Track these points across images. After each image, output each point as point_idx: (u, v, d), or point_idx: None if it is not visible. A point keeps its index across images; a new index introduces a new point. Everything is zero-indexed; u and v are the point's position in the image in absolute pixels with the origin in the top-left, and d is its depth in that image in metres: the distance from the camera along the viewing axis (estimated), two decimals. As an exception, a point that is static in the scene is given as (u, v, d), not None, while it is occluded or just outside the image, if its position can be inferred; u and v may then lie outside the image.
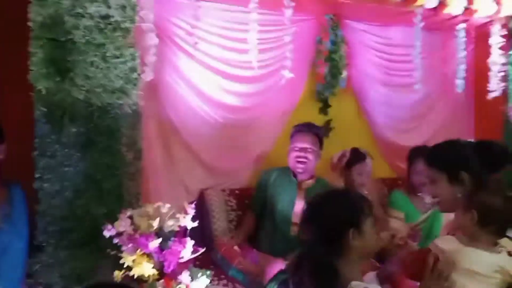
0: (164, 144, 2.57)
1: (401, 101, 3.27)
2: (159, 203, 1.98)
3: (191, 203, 2.60)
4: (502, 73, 3.14)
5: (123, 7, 2.11)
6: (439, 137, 3.40)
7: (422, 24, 2.85)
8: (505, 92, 3.18)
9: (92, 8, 2.05)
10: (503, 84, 3.14)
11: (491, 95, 3.14)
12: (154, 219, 1.93)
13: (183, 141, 2.62)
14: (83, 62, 2.05)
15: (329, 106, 3.01)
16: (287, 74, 2.53)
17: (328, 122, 3.02)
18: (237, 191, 2.71)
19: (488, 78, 3.15)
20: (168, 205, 1.97)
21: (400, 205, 2.65)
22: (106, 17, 2.08)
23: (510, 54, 3.16)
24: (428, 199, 2.62)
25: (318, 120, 3.03)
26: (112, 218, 2.08)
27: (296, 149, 2.42)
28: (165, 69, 2.51)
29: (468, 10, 2.94)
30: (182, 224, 1.96)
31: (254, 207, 2.56)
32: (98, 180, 2.11)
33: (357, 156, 2.62)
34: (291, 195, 2.44)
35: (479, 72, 3.17)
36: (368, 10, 2.84)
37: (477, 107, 3.39)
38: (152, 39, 2.23)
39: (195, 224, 1.96)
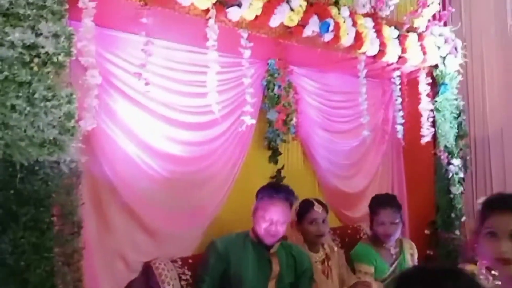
0: (98, 208, 2.03)
1: (341, 147, 3.18)
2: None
3: (133, 281, 2.13)
4: (431, 119, 3.27)
5: (56, 36, 1.63)
6: (375, 183, 3.49)
7: (365, 70, 2.82)
8: (434, 137, 3.30)
9: (14, 35, 1.54)
10: (432, 129, 3.26)
11: (423, 140, 3.23)
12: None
13: (122, 202, 2.11)
14: (1, 106, 1.50)
15: (280, 154, 2.76)
16: (249, 120, 2.22)
17: (279, 171, 2.76)
18: (190, 260, 2.24)
19: (420, 123, 3.24)
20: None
21: (368, 259, 2.47)
22: (33, 47, 1.58)
23: (436, 101, 3.32)
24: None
25: (269, 169, 2.76)
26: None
27: (267, 220, 2.05)
28: (100, 116, 2.01)
29: (401, 59, 3.03)
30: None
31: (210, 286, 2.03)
32: (22, 269, 1.51)
33: (303, 206, 2.42)
34: (261, 266, 2.07)
35: (411, 118, 3.26)
36: (313, 56, 2.72)
37: (409, 152, 3.46)
38: (94, 78, 1.75)
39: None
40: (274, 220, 2.05)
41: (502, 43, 3.85)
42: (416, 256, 2.62)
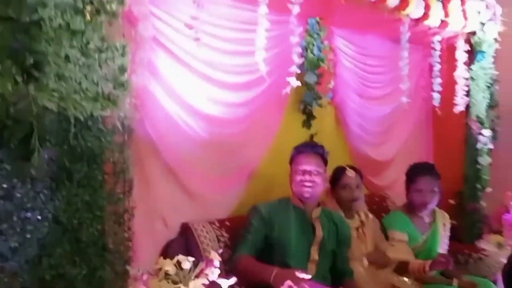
0: (139, 168, 1.96)
1: (374, 114, 3.11)
2: (179, 257, 1.44)
3: (172, 241, 2.11)
4: (466, 88, 3.18)
5: (109, -18, 1.51)
6: (403, 151, 3.44)
7: (408, 34, 2.70)
8: (468, 106, 3.23)
9: (67, -21, 1.42)
10: (466, 98, 3.18)
11: (457, 109, 3.16)
12: (178, 281, 1.39)
13: (163, 163, 2.05)
14: (54, 56, 1.40)
15: (314, 118, 2.68)
16: (294, 82, 2.13)
17: (311, 137, 2.70)
18: (227, 222, 2.21)
19: (454, 92, 3.15)
20: (191, 258, 1.44)
21: (402, 227, 2.46)
22: (86, -7, 1.46)
23: (472, 69, 3.22)
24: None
25: (301, 134, 2.69)
26: (94, 283, 1.49)
27: (300, 172, 2.03)
28: (141, 72, 1.90)
29: (443, 23, 2.90)
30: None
31: (250, 249, 1.97)
32: (74, 228, 1.46)
33: (336, 172, 2.42)
34: (305, 232, 2.04)
35: (446, 86, 3.16)
36: (356, 16, 2.59)
37: (441, 120, 3.39)
38: (146, 30, 1.65)
39: (232, 281, 1.46)
40: (308, 170, 2.03)
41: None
42: (448, 226, 2.62)
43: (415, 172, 2.50)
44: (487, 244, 2.83)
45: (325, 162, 2.13)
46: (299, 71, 2.19)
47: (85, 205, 1.49)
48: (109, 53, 1.50)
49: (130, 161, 1.61)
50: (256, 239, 1.99)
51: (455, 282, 2.35)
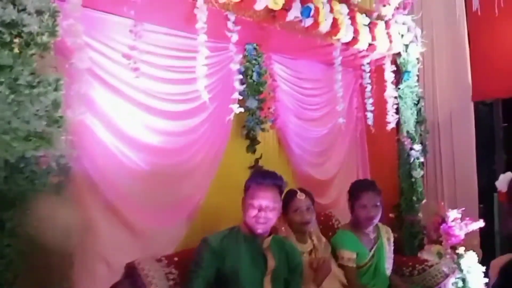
0: (78, 206, 1.83)
1: (312, 135, 3.18)
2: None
3: (117, 285, 1.98)
4: (395, 106, 3.36)
5: (39, 13, 1.41)
6: (343, 170, 3.54)
7: (340, 57, 2.82)
8: (398, 123, 3.40)
9: (-9, 10, 1.31)
10: (396, 116, 3.36)
11: (389, 126, 3.31)
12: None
13: (103, 200, 1.93)
14: (-22, 94, 1.28)
15: (258, 143, 2.68)
16: (237, 108, 2.11)
17: (257, 161, 2.69)
18: (175, 258, 2.11)
19: (385, 110, 3.32)
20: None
21: (351, 246, 2.49)
22: (14, 24, 1.36)
23: (400, 88, 3.42)
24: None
25: (246, 159, 2.68)
26: None
27: (256, 207, 1.97)
28: (77, 106, 1.79)
29: (371, 46, 3.06)
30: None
31: (202, 286, 1.88)
32: (9, 282, 1.31)
33: (287, 195, 2.38)
34: (257, 262, 1.98)
35: (377, 105, 3.32)
36: (291, 42, 2.66)
37: (374, 138, 3.54)
38: (82, 61, 1.55)
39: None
40: (263, 206, 1.97)
41: (451, 33, 4.06)
42: (392, 239, 2.70)
43: (358, 189, 2.57)
44: (429, 254, 2.96)
45: (281, 193, 2.10)
46: (241, 97, 2.18)
47: (19, 256, 1.35)
48: (41, 88, 1.40)
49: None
50: (207, 274, 1.91)
51: (402, 294, 2.42)
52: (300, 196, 2.36)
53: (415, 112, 3.53)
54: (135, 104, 2.03)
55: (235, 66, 2.12)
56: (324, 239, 2.47)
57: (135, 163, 2.04)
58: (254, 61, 2.62)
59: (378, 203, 2.53)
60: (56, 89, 1.44)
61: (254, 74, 2.58)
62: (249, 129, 2.61)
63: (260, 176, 2.05)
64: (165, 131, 2.17)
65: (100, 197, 1.91)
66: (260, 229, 1.99)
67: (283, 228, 2.37)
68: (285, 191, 2.39)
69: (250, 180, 2.07)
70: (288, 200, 2.37)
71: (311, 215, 2.38)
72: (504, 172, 4.54)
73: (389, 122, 3.34)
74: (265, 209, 1.97)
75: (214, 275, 1.93)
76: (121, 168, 1.99)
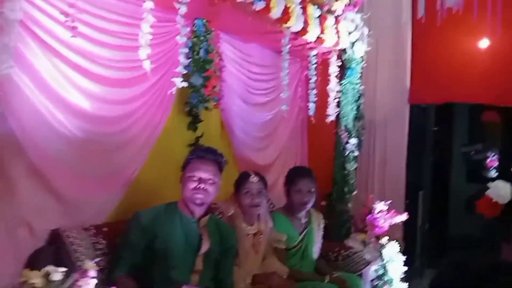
0: (0, 167, 1.73)
1: (257, 120, 3.21)
2: (48, 268, 1.30)
3: (39, 251, 1.90)
4: (337, 100, 3.47)
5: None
6: (282, 156, 3.62)
7: (289, 45, 2.85)
8: (338, 117, 3.52)
9: None
10: (337, 109, 3.47)
11: (329, 119, 3.42)
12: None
13: (28, 162, 1.83)
14: None
15: (200, 121, 2.66)
16: (180, 83, 2.07)
17: (197, 139, 2.67)
18: (105, 228, 2.06)
19: (327, 103, 3.42)
20: (61, 269, 1.31)
21: (282, 228, 2.56)
22: None
23: (342, 83, 3.53)
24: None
25: (187, 136, 2.66)
26: None
27: (195, 179, 1.97)
28: (5, 59, 1.67)
29: (319, 39, 3.13)
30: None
31: (128, 268, 1.87)
32: None
33: (240, 177, 2.44)
34: (192, 238, 1.97)
35: (320, 97, 3.41)
36: (241, 23, 2.66)
37: (314, 129, 3.64)
38: (13, 11, 1.46)
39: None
40: (204, 178, 1.97)
41: (396, 36, 4.25)
42: (322, 225, 2.81)
43: (295, 175, 2.66)
44: (354, 242, 3.10)
45: (221, 170, 2.10)
46: (185, 72, 2.15)
47: None
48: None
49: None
50: (133, 256, 1.89)
51: (327, 278, 2.53)
52: (253, 179, 2.39)
53: (355, 108, 3.67)
54: (71, 66, 1.93)
55: (181, 39, 2.08)
56: (271, 224, 2.50)
57: (67, 128, 1.95)
58: (202, 37, 2.59)
59: (313, 190, 2.62)
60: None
61: (201, 51, 2.55)
62: (192, 106, 2.58)
63: (202, 150, 2.06)
64: (102, 97, 2.09)
65: (25, 159, 1.81)
66: (199, 200, 1.96)
67: (231, 208, 2.39)
68: (240, 173, 2.44)
69: (191, 154, 2.07)
70: (241, 181, 2.40)
71: (262, 199, 2.40)
72: (430, 172, 4.87)
73: (329, 115, 3.45)
74: (205, 181, 1.97)
75: (142, 255, 1.90)
76: (51, 132, 1.89)
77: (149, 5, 1.88)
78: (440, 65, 4.23)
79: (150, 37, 1.91)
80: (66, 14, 1.69)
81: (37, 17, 1.78)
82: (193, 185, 1.96)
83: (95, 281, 1.33)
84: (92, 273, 1.33)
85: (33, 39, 1.79)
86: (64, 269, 1.29)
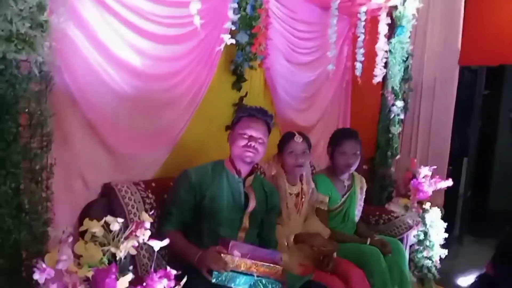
0: (57, 121, 1.77)
1: (300, 80, 3.15)
2: (107, 218, 1.34)
3: (93, 203, 1.98)
4: (385, 60, 3.33)
5: None
6: (324, 118, 3.56)
7: (338, 1, 2.73)
8: (384, 78, 3.39)
9: None
10: (384, 70, 3.34)
11: (375, 80, 3.31)
12: (107, 243, 1.30)
13: (83, 117, 1.87)
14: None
15: (245, 80, 2.63)
16: (228, 39, 2.03)
17: (241, 99, 2.65)
18: (153, 184, 2.11)
19: (374, 63, 3.29)
20: (120, 220, 1.35)
21: (325, 189, 2.56)
22: None
23: (391, 43, 3.38)
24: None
25: (231, 96, 2.64)
26: (8, 247, 1.35)
27: (246, 136, 1.96)
28: (62, 12, 1.67)
29: (369, -6, 2.98)
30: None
31: (177, 224, 1.91)
32: (-16, 185, 1.29)
33: (284, 137, 2.42)
34: (238, 197, 2.00)
35: (367, 57, 3.28)
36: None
37: (359, 90, 3.54)
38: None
39: (164, 243, 1.40)
40: (254, 137, 1.97)
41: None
42: (364, 189, 2.78)
43: (341, 136, 2.61)
44: (396, 206, 3.07)
45: (270, 131, 2.08)
46: (234, 28, 2.10)
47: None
48: (26, -13, 1.31)
49: (49, 113, 1.45)
50: (183, 212, 1.93)
51: (368, 241, 2.53)
52: (297, 139, 2.36)
53: (403, 69, 3.53)
54: (123, 22, 1.92)
55: (230, -5, 2.03)
56: (313, 185, 2.49)
57: (118, 84, 1.96)
58: (250, -6, 2.51)
59: (358, 152, 2.58)
60: (42, -9, 1.35)
61: (248, 7, 2.48)
62: (237, 65, 2.54)
63: (253, 109, 2.04)
64: (152, 54, 2.07)
65: (80, 114, 1.84)
66: (248, 158, 1.97)
67: (274, 168, 2.39)
68: (284, 133, 2.44)
69: (242, 112, 2.05)
70: (285, 141, 2.39)
71: (305, 159, 2.38)
72: (476, 138, 4.68)
73: (376, 76, 3.33)
74: (256, 140, 1.98)
75: (191, 212, 1.94)
76: (103, 87, 1.91)
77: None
78: (494, 25, 3.97)
79: (200, -8, 1.87)
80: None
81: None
82: (243, 142, 1.97)
83: (149, 232, 1.37)
84: (148, 224, 1.36)
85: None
86: (122, 219, 1.32)
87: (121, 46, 1.95)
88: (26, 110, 1.38)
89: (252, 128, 1.97)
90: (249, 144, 1.96)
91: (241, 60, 2.53)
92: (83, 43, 1.81)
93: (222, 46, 2.04)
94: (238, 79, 2.63)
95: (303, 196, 2.41)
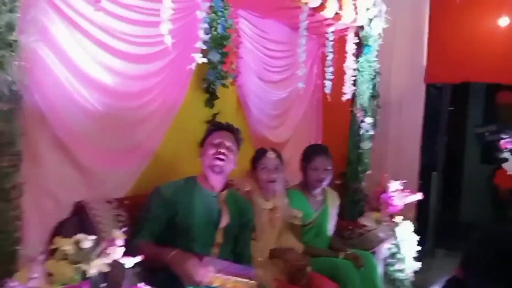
0: (27, 139, 1.76)
1: (271, 97, 3.21)
2: (78, 235, 1.34)
3: (64, 221, 1.95)
4: (353, 78, 3.44)
5: None
6: (296, 134, 3.62)
7: (306, 22, 2.82)
8: (353, 95, 3.50)
9: None
10: (353, 88, 3.45)
11: (344, 97, 3.40)
12: (79, 260, 1.29)
13: (53, 135, 1.86)
14: None
15: (217, 98, 2.67)
16: (199, 58, 2.07)
17: (214, 116, 2.69)
18: (126, 202, 2.10)
19: (343, 81, 3.39)
20: (91, 237, 1.35)
21: (298, 205, 2.59)
22: None
23: (359, 61, 3.49)
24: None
25: (204, 113, 2.67)
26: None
27: (215, 145, 2.01)
28: (32, 32, 1.69)
29: (337, 15, 3.09)
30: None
31: (149, 236, 1.91)
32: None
33: (257, 152, 2.46)
34: (211, 212, 2.01)
35: (336, 75, 3.38)
36: (257, -1, 2.64)
37: (329, 107, 3.63)
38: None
39: (137, 259, 1.40)
40: (224, 144, 2.01)
41: (413, 13, 4.17)
42: (337, 204, 2.83)
43: (312, 152, 2.68)
44: (368, 220, 3.13)
45: (239, 145, 2.13)
46: (204, 47, 2.15)
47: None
48: (-5, 7, 1.32)
49: (18, 132, 1.44)
50: (155, 225, 1.93)
51: (341, 254, 2.56)
52: (270, 154, 2.41)
53: (371, 86, 3.65)
54: (93, 41, 1.94)
55: (201, 14, 2.07)
56: (286, 200, 2.52)
57: (89, 102, 1.98)
58: (220, 13, 2.57)
59: (329, 167, 2.65)
60: (11, 11, 1.37)
61: (219, 27, 2.54)
62: (209, 82, 2.59)
63: (219, 124, 2.14)
64: (123, 73, 2.10)
65: (50, 131, 1.84)
66: (218, 167, 2.00)
67: (248, 184, 2.42)
68: (257, 149, 2.50)
69: (209, 128, 2.13)
70: (258, 157, 2.43)
71: (278, 175, 2.41)
72: (444, 153, 4.84)
73: (345, 93, 3.42)
74: (224, 147, 2.01)
75: (163, 227, 1.94)
76: (74, 105, 1.92)
77: (170, -21, 1.87)
78: (458, 43, 4.16)
79: (172, 12, 1.91)
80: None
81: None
82: (212, 150, 2.01)
83: (122, 249, 1.37)
84: (120, 241, 1.36)
85: (57, 13, 1.79)
86: (94, 237, 1.32)
87: (92, 64, 1.97)
88: (-4, 129, 1.37)
89: (221, 137, 2.03)
90: (218, 150, 1.99)
91: (213, 78, 2.57)
92: (53, 62, 1.82)
93: (193, 65, 2.08)
94: (211, 97, 2.67)
95: (277, 211, 2.43)
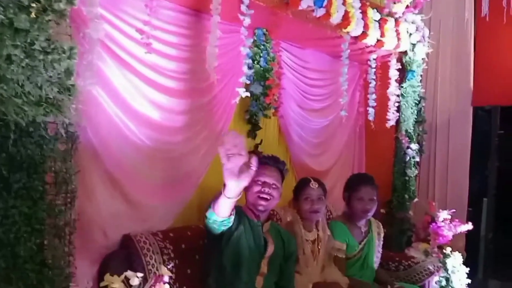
0: (81, 176, 1.84)
1: (313, 125, 3.21)
2: (127, 273, 1.37)
3: (113, 254, 2.01)
4: (397, 104, 3.39)
5: (57, -21, 1.41)
6: (339, 163, 3.58)
7: (348, 50, 2.83)
8: (397, 121, 3.43)
9: (11, -28, 1.31)
10: (397, 114, 3.39)
11: (389, 124, 3.34)
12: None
13: (105, 171, 1.95)
14: (-6, 55, 1.28)
15: (260, 128, 2.70)
16: (243, 93, 2.12)
17: (256, 146, 2.71)
18: (171, 234, 2.14)
19: (386, 107, 3.35)
20: (139, 274, 1.38)
21: (342, 236, 2.54)
22: (31, -11, 1.36)
23: (403, 87, 3.44)
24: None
25: (247, 143, 2.70)
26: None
27: (260, 183, 2.02)
28: (88, 76, 1.79)
29: (379, 42, 3.07)
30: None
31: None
32: (11, 242, 1.34)
33: (300, 183, 2.45)
34: (257, 244, 2.01)
35: (379, 102, 3.34)
36: (301, 30, 2.66)
37: (372, 134, 3.58)
38: (96, 31, 1.56)
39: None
40: (268, 183, 2.02)
41: (458, 36, 4.08)
42: (382, 234, 2.76)
43: (357, 182, 2.62)
44: (416, 252, 3.02)
45: (283, 178, 2.13)
46: (248, 82, 2.19)
47: (23, 218, 1.37)
48: (55, 55, 1.41)
49: (73, 171, 1.52)
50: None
51: (387, 288, 2.48)
52: (313, 185, 2.39)
53: (415, 111, 3.57)
54: (142, 79, 2.03)
55: (245, 50, 2.13)
56: (328, 232, 2.49)
57: (138, 137, 2.06)
58: (262, 47, 2.62)
59: (375, 197, 2.59)
60: (70, 57, 1.45)
61: (262, 60, 2.59)
62: (252, 114, 2.63)
63: (265, 157, 2.12)
64: (169, 108, 2.17)
65: (102, 168, 1.92)
66: (262, 206, 2.01)
67: (289, 214, 2.41)
68: (300, 179, 2.48)
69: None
70: (300, 187, 2.41)
71: (321, 205, 2.38)
72: (495, 178, 4.62)
73: (389, 120, 3.37)
74: (269, 186, 2.03)
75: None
76: (124, 141, 2.01)
77: (216, 19, 1.94)
78: (506, 64, 4.02)
79: (217, 49, 1.97)
80: (141, 32, 1.77)
81: (114, 36, 1.89)
82: (257, 188, 2.01)
83: (168, 286, 1.39)
84: (167, 278, 1.39)
85: (111, 56, 1.90)
86: (141, 274, 1.35)
87: (141, 102, 2.06)
88: (52, 168, 1.45)
89: (265, 175, 2.03)
90: (263, 190, 2.00)
91: (255, 109, 2.61)
92: (105, 101, 1.92)
93: (237, 99, 2.13)
94: (253, 128, 2.70)
95: (320, 243, 2.40)
